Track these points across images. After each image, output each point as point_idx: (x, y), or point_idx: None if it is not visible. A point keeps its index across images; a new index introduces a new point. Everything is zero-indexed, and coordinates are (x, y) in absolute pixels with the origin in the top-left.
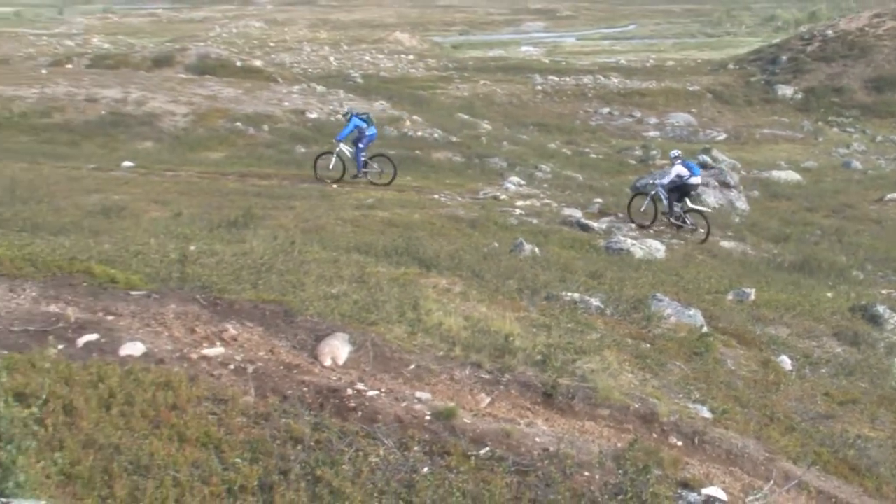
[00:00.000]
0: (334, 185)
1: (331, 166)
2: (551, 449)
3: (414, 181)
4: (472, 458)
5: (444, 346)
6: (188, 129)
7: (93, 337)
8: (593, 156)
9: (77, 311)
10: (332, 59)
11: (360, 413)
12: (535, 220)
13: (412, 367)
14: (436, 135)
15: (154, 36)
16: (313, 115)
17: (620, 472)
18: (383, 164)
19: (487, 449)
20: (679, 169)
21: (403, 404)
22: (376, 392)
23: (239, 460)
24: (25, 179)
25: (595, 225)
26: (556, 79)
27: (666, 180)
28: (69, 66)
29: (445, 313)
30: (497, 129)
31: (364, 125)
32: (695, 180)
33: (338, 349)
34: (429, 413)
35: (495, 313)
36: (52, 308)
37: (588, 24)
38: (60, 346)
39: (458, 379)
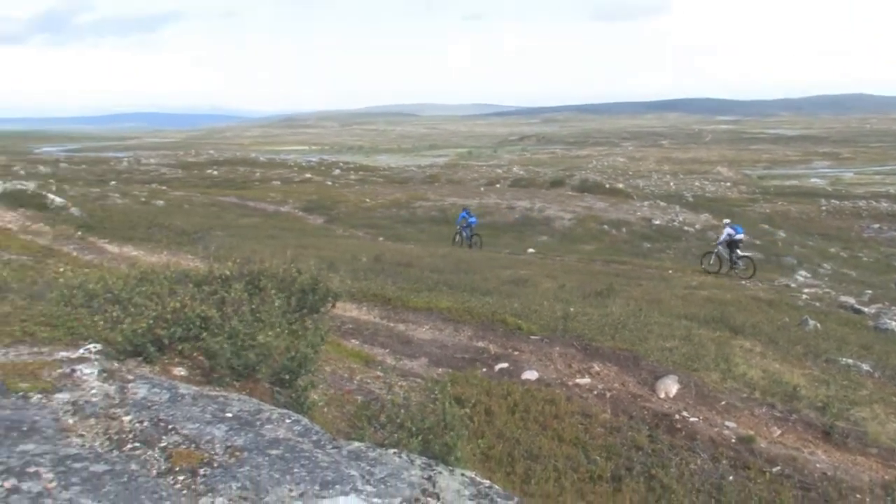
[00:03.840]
0: (469, 248)
1: (456, 239)
2: (829, 474)
3: (727, 271)
4: (767, 473)
5: (746, 390)
6: (571, 228)
7: (504, 365)
8: (865, 259)
9: (495, 347)
10: (671, 183)
11: (683, 433)
12: (817, 304)
13: (723, 403)
14: (743, 238)
15: (552, 166)
16: (657, 222)
17: (889, 498)
18: (478, 239)
19: (778, 468)
20: (728, 230)
21: (715, 429)
22: (696, 419)
23: (598, 458)
24: (465, 259)
25: (865, 309)
26: (836, 202)
27: (721, 239)
28: (497, 185)
29: (748, 366)
30: (789, 237)
31: (467, 216)
32: (739, 237)
33: (670, 386)
34: (734, 437)
35: (786, 369)
36: (480, 344)
37: (864, 163)
38: (483, 370)
39: (756, 414)
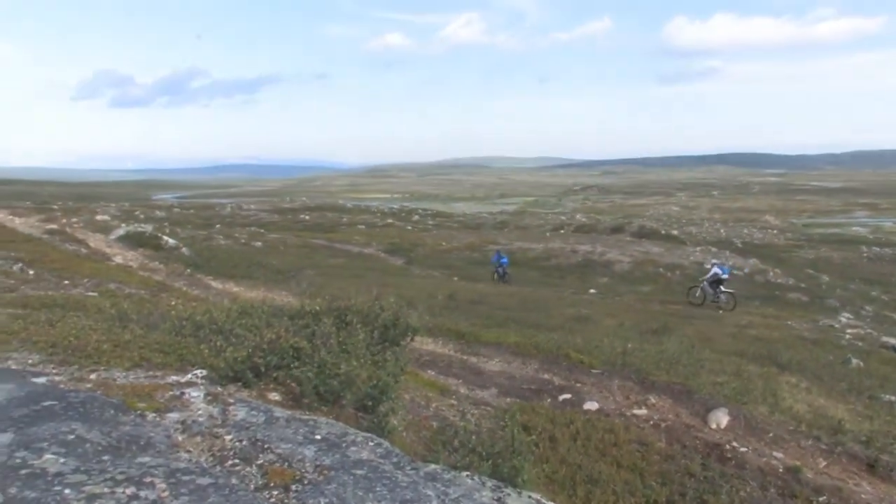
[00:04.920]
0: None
1: (495, 277)
2: None
3: (774, 312)
4: (813, 502)
5: (793, 423)
6: (629, 271)
7: (568, 396)
8: None
9: (559, 379)
10: (721, 230)
11: (733, 462)
12: (860, 343)
13: (770, 434)
14: (790, 282)
15: (611, 213)
16: (708, 266)
17: None
18: (510, 277)
19: (824, 498)
20: (715, 270)
21: (764, 459)
22: (745, 449)
23: (654, 483)
24: (531, 298)
25: None
26: (877, 249)
27: (708, 276)
28: (561, 231)
29: (795, 401)
30: (832, 280)
31: (500, 258)
32: (724, 276)
33: (721, 418)
34: (781, 467)
35: (830, 404)
36: (545, 376)
37: None
38: (548, 400)
39: (803, 446)
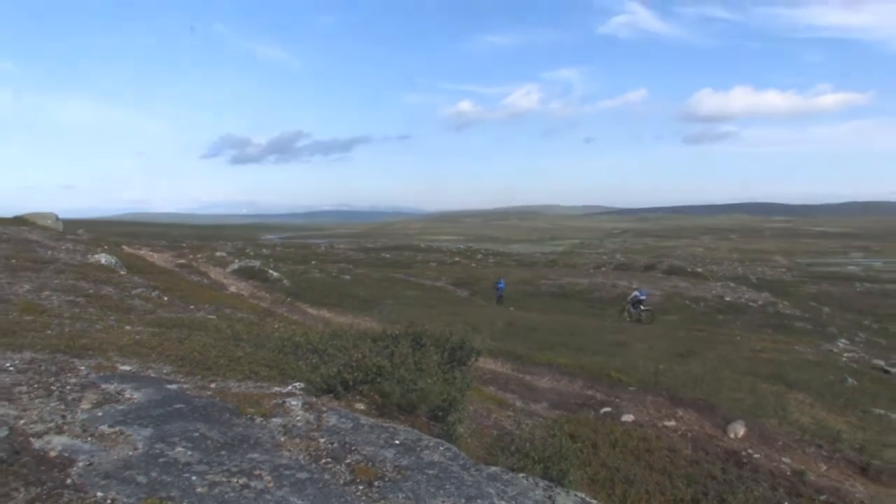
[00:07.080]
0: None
1: (496, 301)
2: (866, 502)
3: (783, 338)
4: (816, 500)
5: (799, 433)
6: (660, 303)
7: (608, 409)
8: (892, 330)
9: (601, 395)
10: (739, 268)
11: (748, 466)
12: (854, 365)
13: (780, 443)
14: (796, 312)
15: (645, 253)
16: (728, 298)
17: None
18: (505, 301)
19: (825, 496)
20: (636, 293)
21: (774, 464)
22: (758, 455)
23: (681, 484)
24: (578, 325)
25: (893, 370)
26: (868, 284)
27: (630, 298)
28: (603, 268)
29: (800, 414)
30: (832, 311)
31: (499, 283)
32: (643, 297)
33: (738, 429)
34: (789, 471)
35: (830, 417)
36: (589, 392)
37: (891, 255)
38: (591, 413)
39: (807, 453)
